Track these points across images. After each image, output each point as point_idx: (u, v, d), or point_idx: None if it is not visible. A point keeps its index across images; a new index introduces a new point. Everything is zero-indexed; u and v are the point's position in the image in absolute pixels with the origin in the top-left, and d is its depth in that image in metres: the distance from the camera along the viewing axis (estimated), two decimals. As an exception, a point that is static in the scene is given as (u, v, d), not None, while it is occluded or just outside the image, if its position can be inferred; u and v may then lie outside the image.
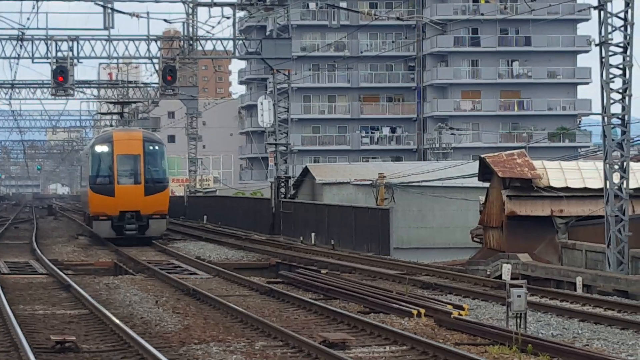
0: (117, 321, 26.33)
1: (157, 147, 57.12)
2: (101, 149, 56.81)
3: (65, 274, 38.97)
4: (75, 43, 70.59)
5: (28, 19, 72.54)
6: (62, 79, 71.22)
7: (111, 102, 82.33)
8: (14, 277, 39.87)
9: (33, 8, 63.78)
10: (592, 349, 22.76)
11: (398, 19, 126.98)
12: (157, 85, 74.54)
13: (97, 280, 38.46)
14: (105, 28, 65.26)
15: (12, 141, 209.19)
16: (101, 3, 62.84)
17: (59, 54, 70.16)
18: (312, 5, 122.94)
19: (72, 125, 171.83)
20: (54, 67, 70.54)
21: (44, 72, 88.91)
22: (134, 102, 79.03)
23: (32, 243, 57.47)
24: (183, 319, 28.21)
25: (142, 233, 55.67)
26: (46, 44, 70.18)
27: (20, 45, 69.51)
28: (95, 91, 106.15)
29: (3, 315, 27.98)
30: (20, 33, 68.89)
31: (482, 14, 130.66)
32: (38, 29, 72.35)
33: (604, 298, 32.52)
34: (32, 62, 71.32)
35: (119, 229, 55.15)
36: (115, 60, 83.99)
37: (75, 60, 71.28)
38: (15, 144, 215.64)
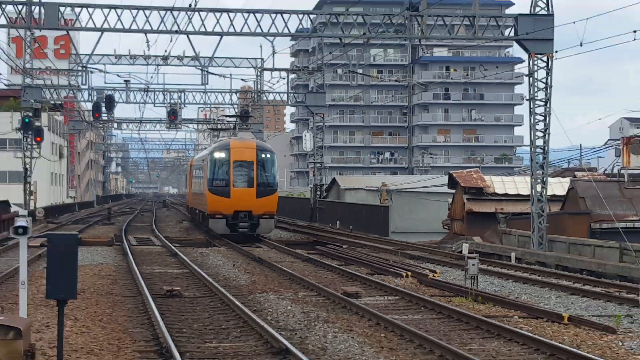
0: (208, 277, 26.48)
1: (268, 155, 45.19)
2: (219, 155, 44.91)
3: (174, 246, 39.12)
4: (182, 93, 71.09)
5: (151, 77, 73.12)
6: (173, 118, 71.81)
7: (232, 116, 70.28)
8: (140, 247, 40.06)
9: (154, 70, 64.25)
10: (520, 300, 22.75)
11: (396, 80, 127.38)
12: (235, 122, 74.61)
13: (195, 250, 38.54)
14: (202, 84, 65.64)
15: (140, 158, 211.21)
16: (200, 68, 63.10)
17: (172, 101, 70.71)
18: (339, 71, 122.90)
19: (179, 148, 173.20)
20: (168, 109, 71.10)
21: (161, 113, 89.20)
22: (250, 117, 67.32)
23: (152, 225, 57.67)
24: (251, 276, 28.28)
25: (253, 231, 44.24)
26: (163, 94, 70.69)
27: (146, 94, 69.96)
28: (195, 126, 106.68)
29: (132, 272, 28.19)
30: (146, 86, 69.36)
31: (452, 78, 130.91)
32: (158, 84, 73.09)
33: (530, 267, 32.45)
34: (154, 106, 71.95)
35: (233, 226, 43.77)
36: (209, 106, 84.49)
37: (182, 105, 71.86)
38: (142, 160, 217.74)
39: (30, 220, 40.81)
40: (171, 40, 46.43)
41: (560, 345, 15.77)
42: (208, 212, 45.16)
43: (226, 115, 67.99)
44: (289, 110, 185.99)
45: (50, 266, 10.69)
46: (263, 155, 44.66)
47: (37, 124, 59.85)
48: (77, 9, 38.55)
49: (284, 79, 68.14)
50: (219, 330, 18.01)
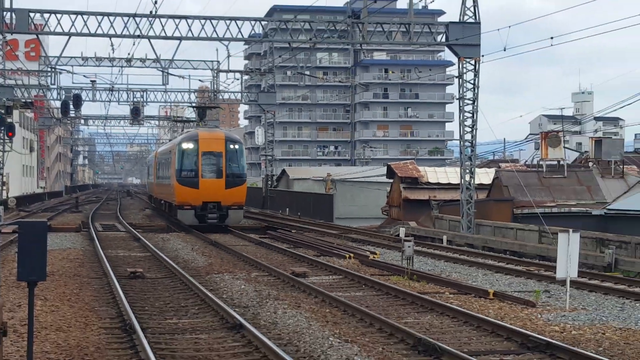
0: (168, 260, 26.34)
1: (237, 146, 40.94)
2: (188, 146, 40.65)
3: (137, 232, 38.83)
4: (144, 93, 70.57)
5: (116, 77, 72.65)
6: (136, 115, 71.25)
7: (193, 106, 63.56)
8: (106, 233, 39.70)
9: (119, 71, 63.73)
10: (451, 278, 22.94)
11: (340, 81, 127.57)
12: (194, 119, 74.31)
13: (156, 236, 38.24)
14: (163, 84, 65.18)
15: (105, 151, 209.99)
16: (161, 69, 62.62)
17: (135, 99, 70.20)
18: (288, 72, 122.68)
19: (142, 142, 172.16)
20: (132, 107, 70.59)
21: (125, 110, 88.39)
22: (214, 107, 62.84)
23: (117, 213, 57.17)
24: (208, 259, 28.17)
25: (222, 222, 40.53)
26: (127, 93, 70.13)
27: (111, 93, 69.39)
28: (156, 122, 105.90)
29: (98, 256, 27.94)
30: (111, 86, 68.80)
31: (390, 79, 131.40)
32: (122, 84, 72.61)
33: (459, 248, 32.77)
34: (118, 104, 71.35)
35: (202, 217, 40.08)
36: (169, 104, 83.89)
37: (144, 103, 71.40)
38: (107, 153, 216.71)
39: (2, 209, 40.30)
40: (134, 44, 46.09)
41: (486, 317, 15.94)
42: (176, 203, 41.08)
43: (195, 106, 65.08)
44: (242, 107, 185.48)
45: (22, 250, 10.56)
46: (231, 146, 40.69)
47: (9, 120, 59.09)
48: (46, 15, 38.06)
49: (238, 79, 67.80)
50: (179, 308, 17.93)
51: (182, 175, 40.56)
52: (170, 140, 73.33)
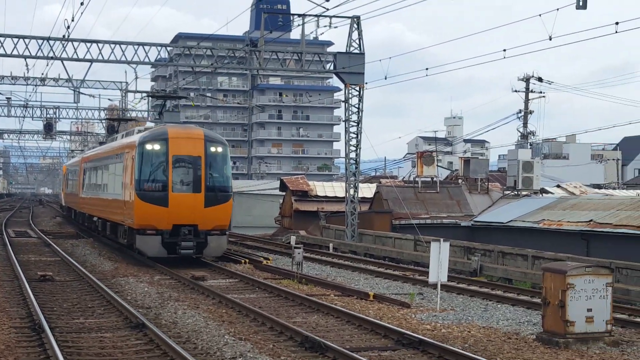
0: (77, 264, 25.71)
1: (220, 149, 27.76)
2: (152, 147, 27.00)
3: (48, 238, 37.77)
4: (57, 110, 68.98)
5: (30, 95, 70.93)
6: (49, 130, 69.68)
7: (155, 95, 49.88)
8: (18, 239, 38.52)
9: (33, 89, 62.14)
10: (336, 281, 23.06)
11: (239, 103, 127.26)
12: (104, 134, 72.73)
13: (66, 242, 37.26)
14: (75, 102, 63.83)
15: (19, 163, 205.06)
16: (73, 88, 61.25)
17: (48, 116, 68.66)
18: (192, 94, 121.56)
19: (54, 155, 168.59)
20: (45, 123, 68.98)
21: (39, 125, 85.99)
22: (185, 97, 49.70)
23: (29, 220, 55.57)
24: (114, 263, 27.58)
25: (200, 252, 27.01)
26: (40, 109, 68.46)
27: (26, 110, 67.64)
28: (68, 137, 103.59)
29: (10, 260, 27.07)
30: (25, 102, 67.09)
31: (284, 102, 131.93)
32: (36, 101, 70.60)
33: (344, 255, 32.97)
34: (32, 119, 69.61)
35: (172, 246, 26.49)
36: (80, 120, 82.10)
37: (57, 119, 69.90)
38: (21, 165, 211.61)
39: None
40: (48, 65, 44.83)
41: (366, 317, 16.07)
42: (135, 225, 26.96)
43: (155, 95, 54.73)
44: (149, 125, 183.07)
45: None
46: (213, 149, 27.61)
47: None
48: (-36, 35, 36.75)
49: (144, 99, 66.92)
50: (86, 308, 17.51)
51: (144, 188, 26.83)
52: (100, 143, 55.66)
